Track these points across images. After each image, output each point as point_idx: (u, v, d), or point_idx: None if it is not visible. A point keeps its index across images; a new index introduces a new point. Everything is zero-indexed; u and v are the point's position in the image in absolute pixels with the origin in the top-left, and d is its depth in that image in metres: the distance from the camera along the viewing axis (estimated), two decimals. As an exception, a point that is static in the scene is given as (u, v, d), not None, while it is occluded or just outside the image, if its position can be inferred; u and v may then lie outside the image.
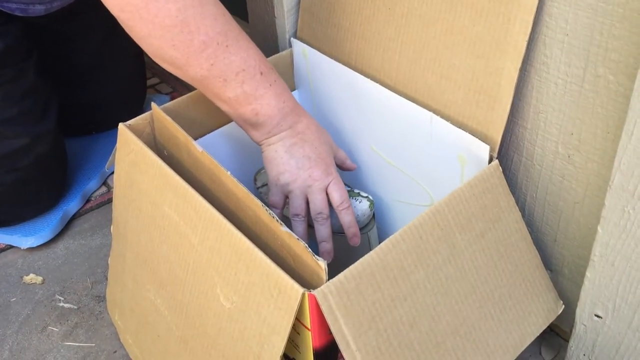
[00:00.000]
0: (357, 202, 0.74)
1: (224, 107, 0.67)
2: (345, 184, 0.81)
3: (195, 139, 0.74)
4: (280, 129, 0.67)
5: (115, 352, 0.80)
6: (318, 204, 0.67)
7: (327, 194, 0.68)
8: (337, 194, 0.68)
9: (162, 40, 0.59)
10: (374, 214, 0.76)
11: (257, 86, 0.64)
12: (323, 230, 0.68)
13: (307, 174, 0.67)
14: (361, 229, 0.75)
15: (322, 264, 0.49)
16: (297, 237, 0.51)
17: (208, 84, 0.63)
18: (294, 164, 0.67)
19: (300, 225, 0.68)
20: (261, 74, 0.64)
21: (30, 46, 0.90)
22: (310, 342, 0.54)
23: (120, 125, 0.68)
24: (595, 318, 0.65)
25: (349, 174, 0.84)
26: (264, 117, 0.65)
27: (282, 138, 0.67)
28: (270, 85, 0.65)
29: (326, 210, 0.68)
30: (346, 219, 0.68)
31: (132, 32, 0.60)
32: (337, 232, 0.74)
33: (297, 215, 0.68)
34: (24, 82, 0.88)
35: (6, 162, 0.89)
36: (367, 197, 0.75)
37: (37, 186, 0.95)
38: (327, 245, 0.68)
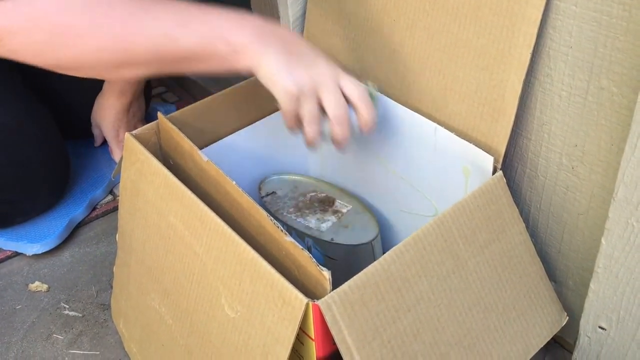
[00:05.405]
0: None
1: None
2: None
3: (201, 148, 0.75)
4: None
5: (119, 360, 0.80)
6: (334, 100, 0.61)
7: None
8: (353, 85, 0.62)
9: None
10: (379, 227, 0.76)
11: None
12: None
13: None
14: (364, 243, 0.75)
15: (327, 274, 0.49)
16: (301, 247, 0.51)
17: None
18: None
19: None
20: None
21: None
22: (314, 352, 0.54)
23: (127, 135, 0.68)
24: (599, 330, 0.64)
25: (354, 183, 0.85)
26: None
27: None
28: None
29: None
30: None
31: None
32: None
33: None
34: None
35: None
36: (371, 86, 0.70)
37: (34, 174, 0.94)
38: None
